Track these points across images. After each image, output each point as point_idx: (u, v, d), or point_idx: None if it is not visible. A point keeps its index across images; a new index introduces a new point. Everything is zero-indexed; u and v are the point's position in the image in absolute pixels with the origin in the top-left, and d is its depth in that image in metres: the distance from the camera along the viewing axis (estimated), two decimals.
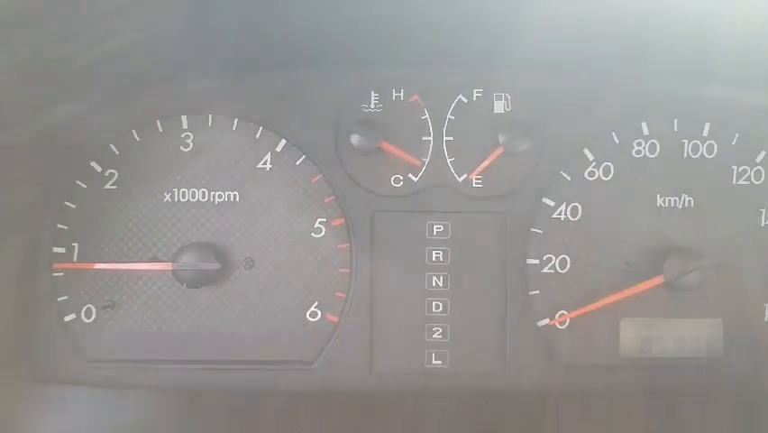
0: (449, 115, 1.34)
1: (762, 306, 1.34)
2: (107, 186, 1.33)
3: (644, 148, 1.35)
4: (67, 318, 1.33)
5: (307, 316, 1.32)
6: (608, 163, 1.34)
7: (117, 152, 1.33)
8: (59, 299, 1.33)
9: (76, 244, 1.32)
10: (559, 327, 1.33)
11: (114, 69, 1.25)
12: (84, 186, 1.32)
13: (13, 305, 1.30)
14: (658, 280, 1.29)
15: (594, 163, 1.34)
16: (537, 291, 1.33)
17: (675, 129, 1.34)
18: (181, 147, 1.33)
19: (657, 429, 1.26)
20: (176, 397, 1.30)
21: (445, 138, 1.33)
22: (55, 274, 1.32)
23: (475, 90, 1.33)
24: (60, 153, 1.32)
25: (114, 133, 1.33)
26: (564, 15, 1.18)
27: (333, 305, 1.32)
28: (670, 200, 1.34)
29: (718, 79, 1.34)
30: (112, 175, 1.33)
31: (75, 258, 1.32)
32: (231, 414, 1.27)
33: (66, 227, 1.32)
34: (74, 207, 1.32)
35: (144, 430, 1.25)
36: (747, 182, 1.34)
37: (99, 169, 1.33)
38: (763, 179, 1.34)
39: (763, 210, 1.34)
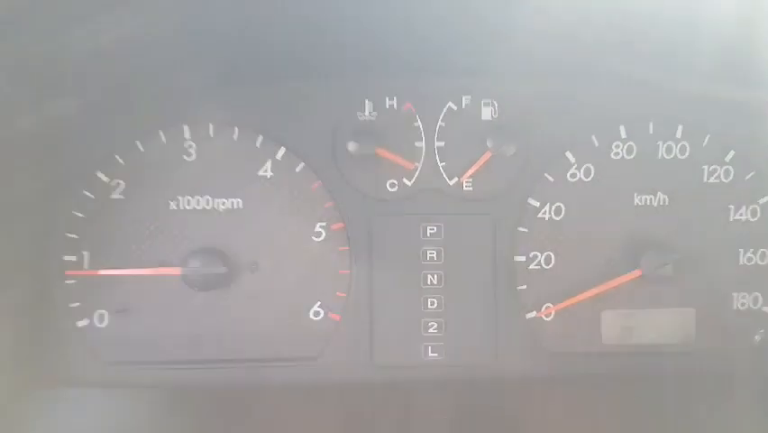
0: (440, 122, 1.41)
1: (730, 295, 1.45)
2: (114, 195, 1.38)
3: (622, 150, 1.44)
4: (80, 324, 1.39)
5: (311, 315, 1.40)
6: (589, 165, 1.43)
7: (123, 162, 1.38)
8: (71, 305, 1.39)
9: (86, 253, 1.38)
10: (545, 318, 1.43)
11: (116, 79, 1.30)
12: (91, 196, 1.37)
13: (27, 312, 1.35)
14: (636, 273, 1.39)
15: (576, 165, 1.42)
16: (525, 286, 1.42)
17: (651, 132, 1.43)
18: (184, 156, 1.38)
19: (637, 411, 1.37)
20: (188, 395, 1.37)
21: (437, 143, 1.41)
22: (67, 282, 1.38)
23: (464, 98, 1.41)
24: (67, 164, 1.37)
25: (119, 143, 1.38)
26: (547, 28, 1.26)
27: (335, 304, 1.40)
28: (646, 198, 1.43)
29: (691, 83, 1.44)
30: (118, 185, 1.38)
31: (85, 266, 1.38)
32: (241, 409, 1.35)
33: (76, 236, 1.37)
34: (83, 216, 1.37)
35: (160, 428, 1.32)
36: (717, 180, 1.44)
37: (106, 179, 1.38)
38: (732, 177, 1.44)
39: (732, 206, 1.44)
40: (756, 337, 1.43)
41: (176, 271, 1.35)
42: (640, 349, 1.44)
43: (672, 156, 1.44)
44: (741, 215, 1.44)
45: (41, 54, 1.14)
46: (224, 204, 1.39)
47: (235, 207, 1.39)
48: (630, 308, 1.43)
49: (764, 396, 1.36)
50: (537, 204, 1.42)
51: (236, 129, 1.39)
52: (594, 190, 1.44)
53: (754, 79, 1.31)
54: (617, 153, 1.44)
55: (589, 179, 1.44)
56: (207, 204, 1.39)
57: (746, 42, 1.28)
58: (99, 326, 1.39)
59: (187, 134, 1.39)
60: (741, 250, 1.44)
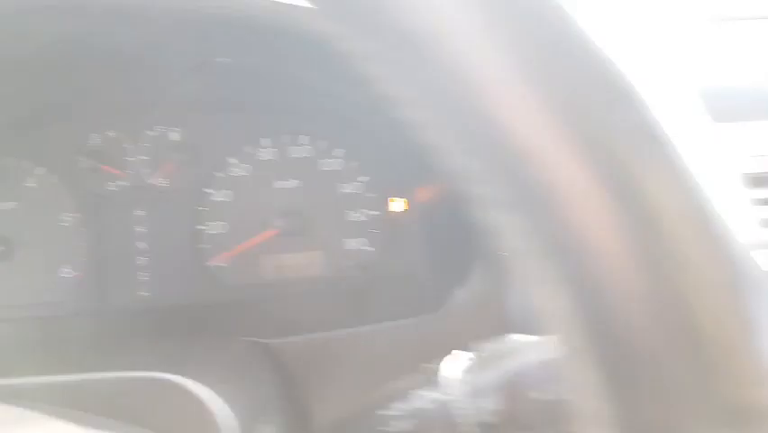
0: (142, 144, 2.18)
1: (343, 241, 2.24)
2: None
3: (268, 153, 2.22)
4: None
5: (63, 274, 2.16)
6: (247, 165, 2.21)
7: None
8: None
9: None
10: (222, 264, 2.20)
11: None
12: None
13: None
14: (274, 231, 2.18)
15: (236, 165, 2.20)
16: (207, 245, 2.20)
17: (286, 141, 2.22)
18: None
19: (289, 320, 2.14)
20: None
21: (140, 157, 2.17)
22: None
23: (156, 126, 2.18)
24: None
25: None
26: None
27: (79, 266, 2.15)
28: (283, 183, 2.21)
29: (308, 107, 2.23)
30: None
31: None
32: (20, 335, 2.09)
33: None
34: None
35: None
36: (330, 168, 2.23)
37: None
38: (341, 166, 2.24)
39: (341, 184, 2.24)
40: (364, 267, 2.23)
41: None
42: (289, 281, 2.22)
43: (300, 156, 2.23)
44: (347, 189, 2.24)
45: None
46: (6, 205, 2.14)
47: (12, 207, 2.15)
48: (278, 253, 2.21)
49: (362, 301, 2.15)
50: (212, 191, 2.20)
51: (11, 158, 2.14)
52: (251, 180, 2.22)
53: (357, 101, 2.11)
54: (264, 156, 2.23)
55: (246, 173, 2.22)
56: None
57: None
58: None
59: None
60: (348, 211, 2.24)
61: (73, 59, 1.86)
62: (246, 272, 2.21)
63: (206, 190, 2.19)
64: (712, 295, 0.36)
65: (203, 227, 2.20)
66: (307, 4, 0.47)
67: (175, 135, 2.20)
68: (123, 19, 1.60)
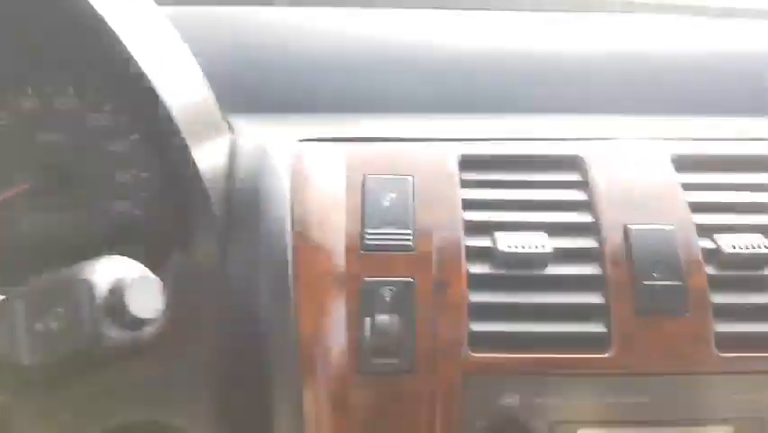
0: None
1: (104, 202, 2.08)
2: None
3: (31, 103, 2.06)
4: None
5: None
6: (7, 113, 2.05)
7: None
8: None
9: None
10: None
11: None
12: None
13: None
14: (24, 185, 2.02)
15: None
16: None
17: (50, 92, 2.07)
18: None
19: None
20: None
21: None
22: None
23: None
24: None
25: None
26: None
27: None
28: (47, 137, 2.01)
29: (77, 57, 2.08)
30: None
31: None
32: None
33: None
34: None
35: None
36: (98, 123, 2.09)
37: None
38: (108, 122, 2.08)
39: (108, 141, 2.09)
40: (124, 230, 2.07)
41: None
42: (40, 240, 2.05)
43: (66, 108, 2.06)
44: (116, 147, 2.09)
45: None
46: None
47: None
48: (33, 212, 2.05)
49: None
50: None
51: None
52: (9, 131, 2.05)
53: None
54: (26, 105, 2.06)
55: (6, 123, 2.04)
56: None
57: None
58: None
59: None
60: (115, 171, 2.06)
61: None
62: None
63: None
64: None
65: None
66: None
67: None
68: None
